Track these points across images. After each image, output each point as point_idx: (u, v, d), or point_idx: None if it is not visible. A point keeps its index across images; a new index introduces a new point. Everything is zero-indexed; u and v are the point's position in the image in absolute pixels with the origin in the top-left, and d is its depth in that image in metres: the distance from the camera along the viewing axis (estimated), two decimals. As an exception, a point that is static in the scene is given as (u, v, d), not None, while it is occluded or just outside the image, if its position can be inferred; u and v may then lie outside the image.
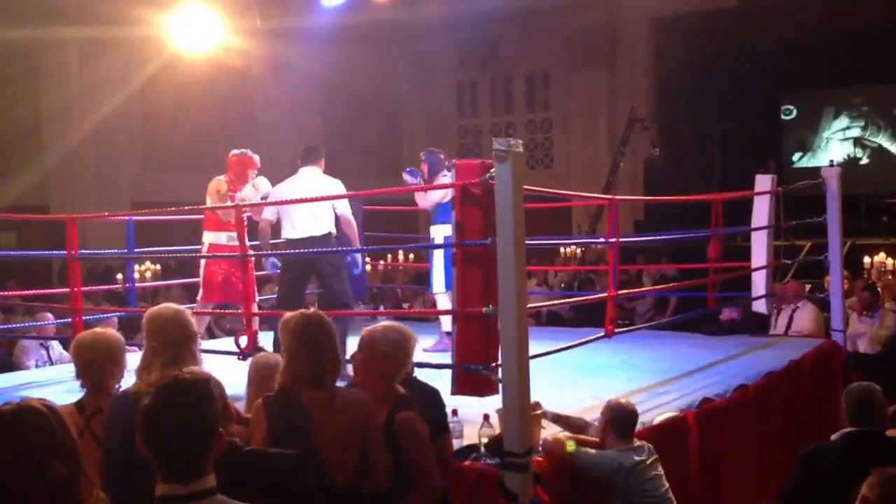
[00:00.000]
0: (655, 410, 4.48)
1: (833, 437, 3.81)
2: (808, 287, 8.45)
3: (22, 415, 1.82)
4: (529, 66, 17.36)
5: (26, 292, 7.50)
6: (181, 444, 1.83)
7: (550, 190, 5.03)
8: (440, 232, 6.04)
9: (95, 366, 2.96)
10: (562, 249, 12.82)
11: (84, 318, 5.78)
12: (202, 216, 5.87)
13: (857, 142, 15.74)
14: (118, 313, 6.88)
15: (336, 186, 5.42)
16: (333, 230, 5.35)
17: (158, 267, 11.66)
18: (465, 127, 18.31)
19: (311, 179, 5.43)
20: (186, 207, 6.07)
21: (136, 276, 9.24)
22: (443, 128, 17.87)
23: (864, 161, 15.64)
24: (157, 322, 2.83)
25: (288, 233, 5.33)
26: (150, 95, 13.50)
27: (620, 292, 5.58)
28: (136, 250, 6.62)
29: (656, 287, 8.39)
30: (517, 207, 3.57)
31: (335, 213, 5.34)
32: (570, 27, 15.76)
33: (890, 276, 9.56)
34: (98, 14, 11.22)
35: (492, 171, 3.68)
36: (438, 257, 6.04)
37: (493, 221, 3.67)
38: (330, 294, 5.35)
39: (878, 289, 8.24)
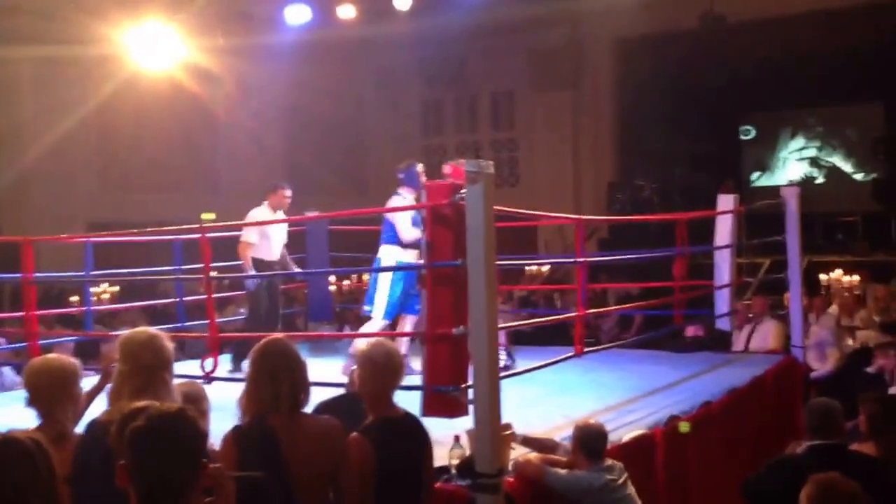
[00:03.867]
0: (624, 429, 4.50)
1: (798, 450, 3.87)
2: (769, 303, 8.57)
3: (4, 448, 1.75)
4: (494, 85, 17.48)
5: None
6: (170, 474, 1.76)
7: (522, 210, 5.03)
8: (388, 253, 5.78)
9: (43, 393, 2.82)
10: (527, 268, 12.85)
11: (40, 342, 5.62)
12: (164, 238, 5.80)
13: (813, 162, 16.13)
14: (75, 337, 6.70)
15: (249, 216, 6.32)
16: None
17: (117, 289, 11.43)
18: (431, 146, 18.32)
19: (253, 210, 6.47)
20: (150, 228, 5.97)
21: (93, 298, 9.04)
22: (408, 147, 17.87)
23: (820, 180, 16.02)
24: (129, 346, 2.72)
25: None
26: (108, 114, 13.27)
27: (590, 311, 5.60)
28: (93, 272, 6.48)
29: (626, 306, 8.44)
30: (488, 228, 3.58)
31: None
32: (534, 47, 15.94)
33: (846, 294, 9.76)
34: (53, 32, 11.02)
35: (462, 192, 3.68)
36: (384, 281, 5.73)
37: (463, 242, 3.66)
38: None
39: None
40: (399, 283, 5.68)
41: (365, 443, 2.93)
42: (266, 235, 6.31)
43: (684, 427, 3.75)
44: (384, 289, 5.70)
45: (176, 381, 2.85)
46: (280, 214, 6.42)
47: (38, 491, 1.72)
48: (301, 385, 2.78)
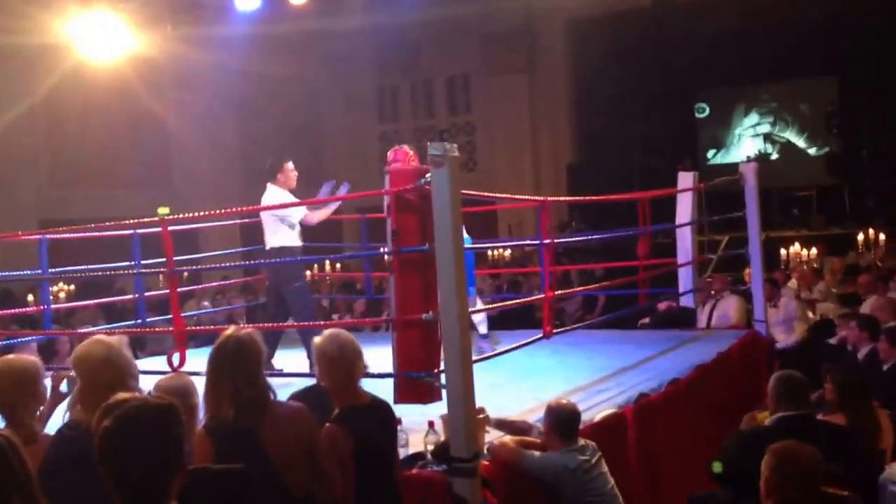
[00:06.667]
0: (595, 408, 4.52)
1: (767, 422, 3.93)
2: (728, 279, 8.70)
3: None
4: (449, 70, 17.42)
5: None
6: (145, 470, 1.74)
7: (486, 193, 5.00)
8: None
9: (7, 396, 2.75)
10: (489, 252, 12.85)
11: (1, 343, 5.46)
12: (122, 233, 5.64)
13: (767, 137, 16.33)
14: (36, 337, 6.50)
15: (271, 198, 5.70)
16: (280, 244, 5.61)
17: (73, 287, 11.17)
18: (387, 133, 18.19)
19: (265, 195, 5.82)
20: (110, 223, 5.80)
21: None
22: (364, 135, 17.74)
23: (775, 156, 16.25)
24: (86, 364, 2.64)
25: None
26: (55, 107, 12.92)
27: (558, 292, 5.61)
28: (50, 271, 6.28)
29: (591, 286, 8.47)
30: (455, 212, 3.55)
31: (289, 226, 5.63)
32: (488, 31, 15.90)
33: (805, 267, 9.94)
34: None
35: (427, 176, 3.64)
36: None
37: (429, 227, 3.63)
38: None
39: (776, 278, 8.54)
40: None
41: (339, 431, 2.91)
42: (286, 220, 5.68)
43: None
44: None
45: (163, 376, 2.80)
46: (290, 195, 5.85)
47: (16, 490, 1.70)
48: (249, 386, 2.69)
